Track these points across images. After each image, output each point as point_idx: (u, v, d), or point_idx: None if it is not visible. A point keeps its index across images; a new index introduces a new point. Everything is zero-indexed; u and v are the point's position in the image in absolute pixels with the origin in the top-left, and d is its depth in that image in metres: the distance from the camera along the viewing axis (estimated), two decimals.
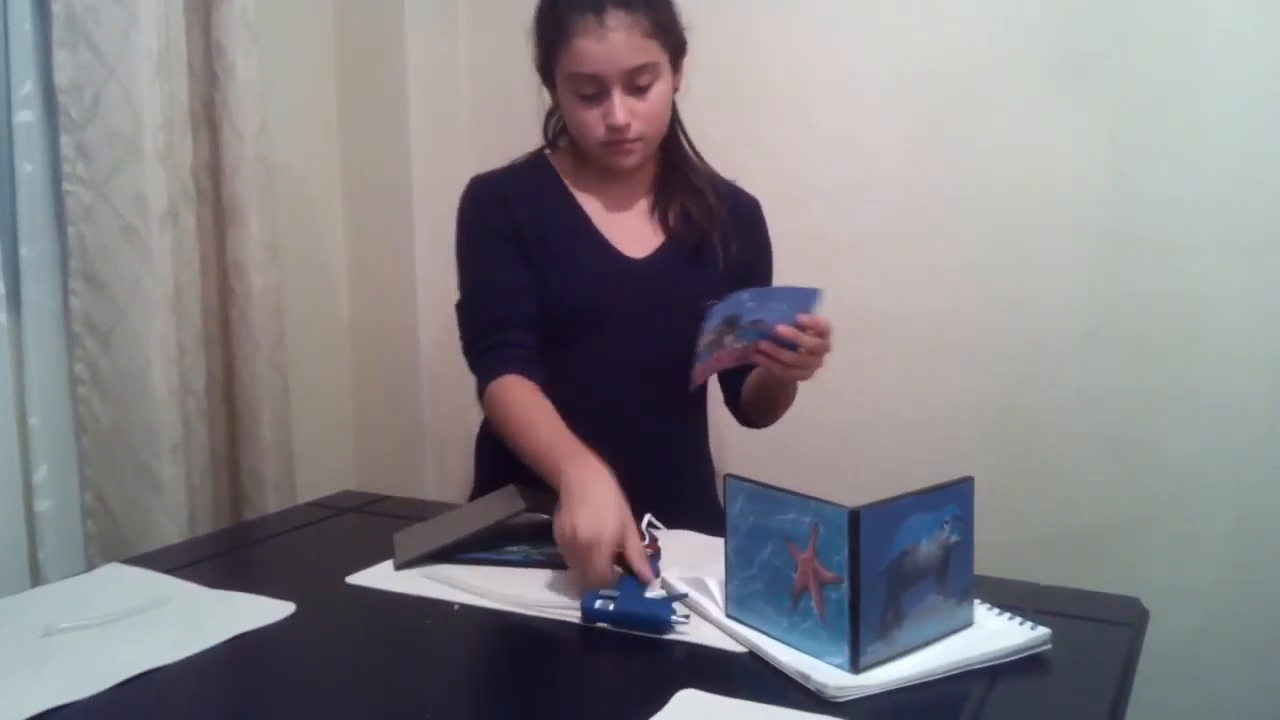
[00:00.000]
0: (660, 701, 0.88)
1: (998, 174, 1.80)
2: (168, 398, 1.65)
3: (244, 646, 1.03)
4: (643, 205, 1.49)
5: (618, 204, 1.48)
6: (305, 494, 1.88)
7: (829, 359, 1.97)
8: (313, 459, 2.08)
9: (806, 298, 1.27)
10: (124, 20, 1.57)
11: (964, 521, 0.99)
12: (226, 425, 1.89)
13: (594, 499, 1.13)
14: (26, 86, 1.56)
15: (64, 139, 1.57)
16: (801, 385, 1.95)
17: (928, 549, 0.96)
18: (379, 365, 2.19)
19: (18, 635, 1.04)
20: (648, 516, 1.31)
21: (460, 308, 1.46)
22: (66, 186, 1.58)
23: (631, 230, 1.47)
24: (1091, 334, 1.77)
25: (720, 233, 1.46)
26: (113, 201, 1.59)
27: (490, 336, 1.40)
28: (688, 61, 1.44)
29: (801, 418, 1.97)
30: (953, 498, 0.98)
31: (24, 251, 1.57)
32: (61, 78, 1.56)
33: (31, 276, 1.58)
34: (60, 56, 1.56)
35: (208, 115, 1.80)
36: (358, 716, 0.93)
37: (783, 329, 1.26)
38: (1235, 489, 1.70)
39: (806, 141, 1.93)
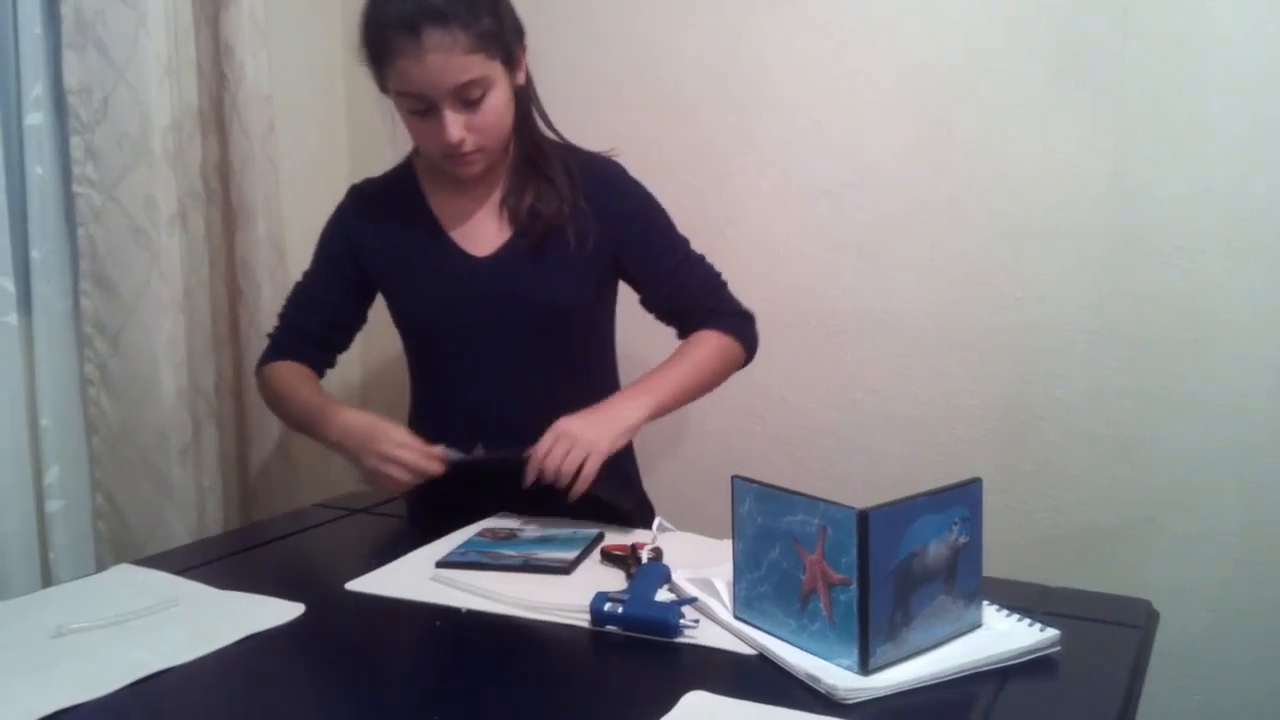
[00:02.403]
0: (669, 703, 0.88)
1: (1002, 173, 1.80)
2: (177, 398, 1.66)
3: (254, 647, 1.03)
4: (494, 201, 1.46)
5: (470, 203, 1.46)
6: (314, 495, 1.88)
7: (834, 359, 1.97)
8: (321, 460, 2.09)
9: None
10: (133, 22, 1.57)
11: (972, 523, 0.99)
12: (236, 426, 1.89)
13: (360, 433, 1.36)
14: (36, 89, 1.57)
15: (74, 141, 1.58)
16: (806, 385, 1.98)
17: (936, 550, 0.96)
18: (387, 365, 2.19)
19: (29, 636, 1.05)
20: (658, 519, 1.31)
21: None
22: (76, 188, 1.59)
23: (479, 228, 1.46)
24: (1097, 334, 1.76)
25: (574, 217, 1.42)
26: (122, 203, 1.60)
27: (280, 332, 1.56)
28: (531, 51, 1.42)
29: (805, 418, 1.98)
30: (961, 499, 0.98)
31: (34, 253, 1.58)
32: (71, 80, 1.57)
33: (42, 278, 1.59)
34: (70, 59, 1.56)
35: (216, 116, 1.81)
36: (366, 718, 0.94)
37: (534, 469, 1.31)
38: (1242, 488, 1.70)
39: (809, 142, 1.93)
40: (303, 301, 1.56)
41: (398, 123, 1.40)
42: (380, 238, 1.50)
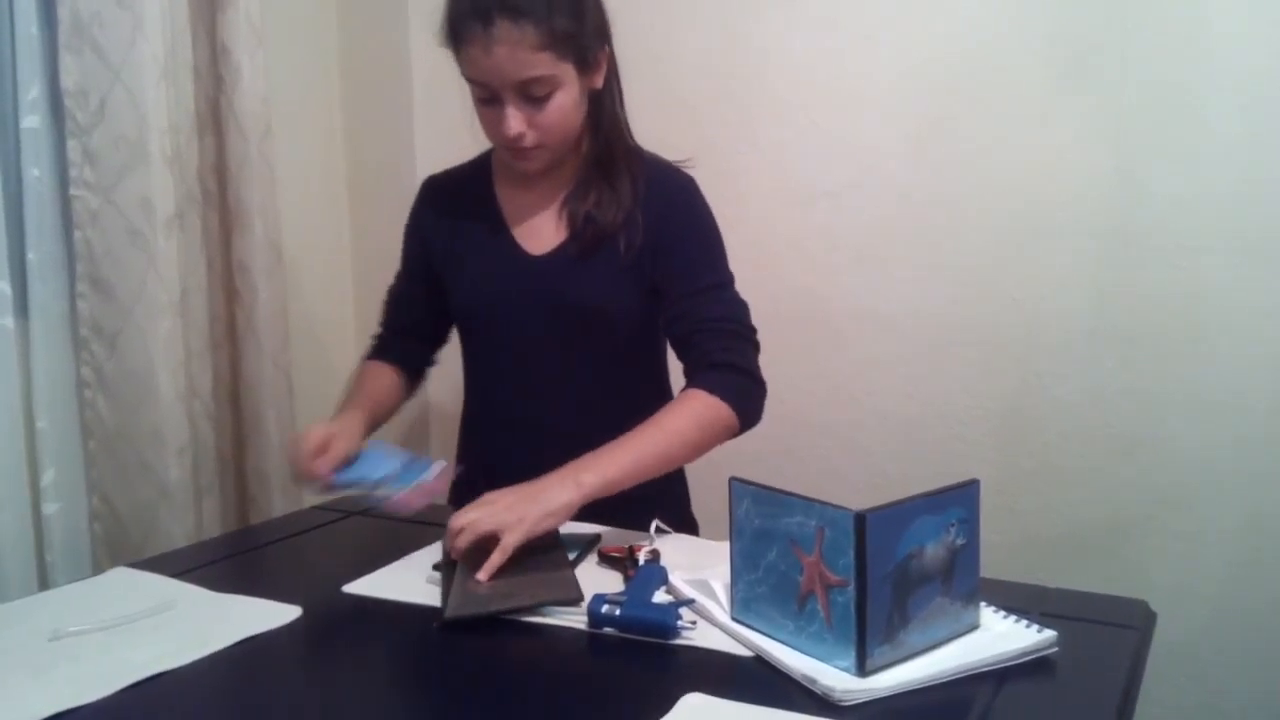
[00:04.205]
0: (666, 705, 0.88)
1: (1002, 173, 1.80)
2: (174, 401, 1.65)
3: (251, 650, 1.03)
4: (558, 201, 1.44)
5: (536, 201, 1.45)
6: (311, 497, 1.88)
7: (834, 359, 1.97)
8: None
9: (422, 468, 1.31)
10: (129, 24, 1.57)
11: (970, 524, 0.99)
12: (233, 428, 1.89)
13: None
14: (33, 91, 1.57)
15: (70, 143, 1.58)
16: (806, 385, 1.98)
17: (934, 551, 0.96)
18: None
19: (25, 639, 1.04)
20: (656, 521, 1.31)
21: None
22: (73, 191, 1.59)
23: (539, 227, 1.44)
24: (1097, 333, 1.76)
25: (627, 225, 1.39)
26: (119, 205, 1.60)
27: (380, 334, 1.60)
28: (618, 53, 1.40)
29: (805, 418, 1.98)
30: (958, 500, 0.98)
31: (31, 256, 1.58)
32: (68, 82, 1.57)
33: (39, 280, 1.59)
34: (66, 61, 1.56)
35: (213, 118, 1.81)
36: None
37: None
38: (1242, 488, 1.70)
39: (810, 142, 1.93)
40: (394, 301, 1.58)
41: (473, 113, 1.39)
42: (446, 227, 1.50)
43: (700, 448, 1.34)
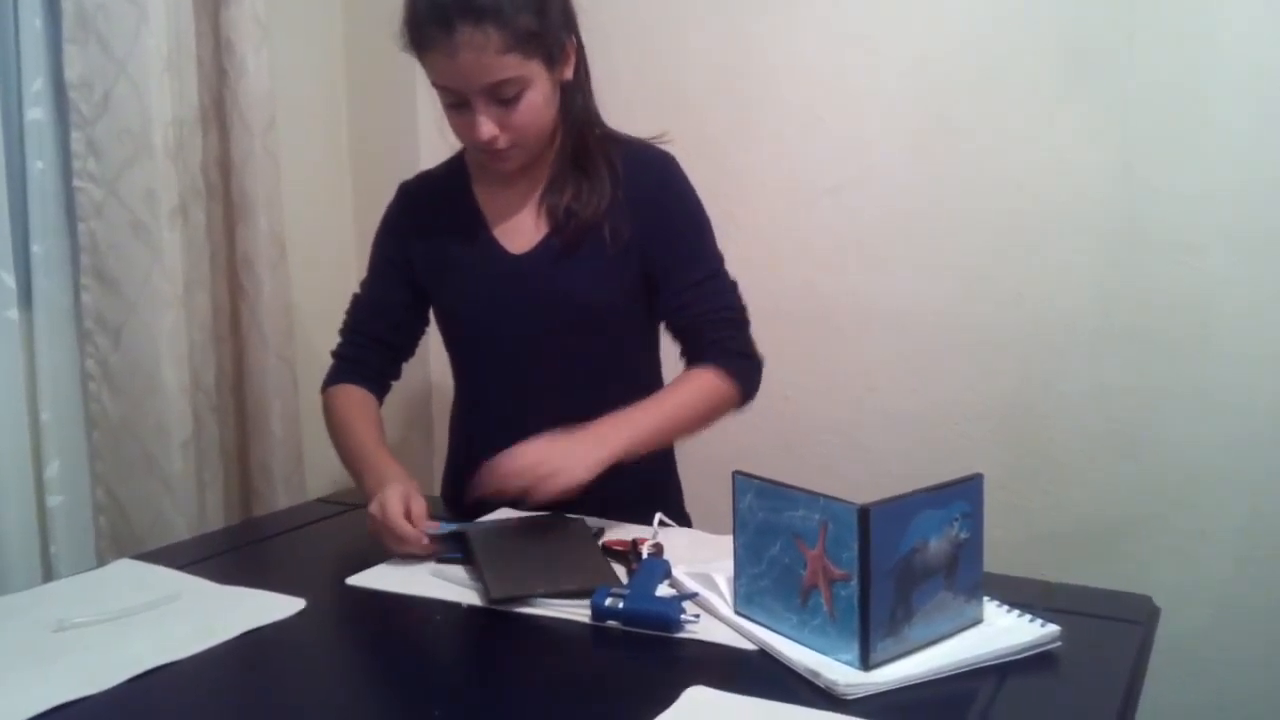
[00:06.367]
0: (670, 698, 0.88)
1: (1006, 170, 1.80)
2: (178, 393, 1.66)
3: (255, 642, 1.03)
4: (536, 197, 1.42)
5: (514, 198, 1.43)
6: (315, 489, 1.89)
7: (836, 356, 1.97)
8: (323, 454, 2.08)
9: None
10: (134, 17, 1.57)
11: (974, 518, 0.99)
12: (236, 421, 1.89)
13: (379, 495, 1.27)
14: (37, 83, 1.57)
15: (75, 136, 1.58)
16: (808, 383, 1.98)
17: (937, 546, 0.96)
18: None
19: (30, 630, 1.05)
20: (658, 515, 1.31)
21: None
22: (77, 183, 1.59)
23: (519, 225, 1.42)
24: (1101, 330, 1.76)
25: (611, 214, 1.37)
26: (123, 198, 1.60)
27: (345, 345, 1.52)
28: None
29: (808, 415, 1.98)
30: (962, 494, 0.98)
31: (35, 248, 1.58)
32: (72, 74, 1.57)
33: (43, 273, 1.59)
34: (71, 53, 1.56)
35: (217, 112, 1.81)
36: (367, 713, 0.94)
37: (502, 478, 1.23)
38: (1245, 486, 1.70)
39: (813, 139, 1.93)
40: (362, 311, 1.52)
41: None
42: (426, 233, 1.47)
43: (707, 421, 1.40)
